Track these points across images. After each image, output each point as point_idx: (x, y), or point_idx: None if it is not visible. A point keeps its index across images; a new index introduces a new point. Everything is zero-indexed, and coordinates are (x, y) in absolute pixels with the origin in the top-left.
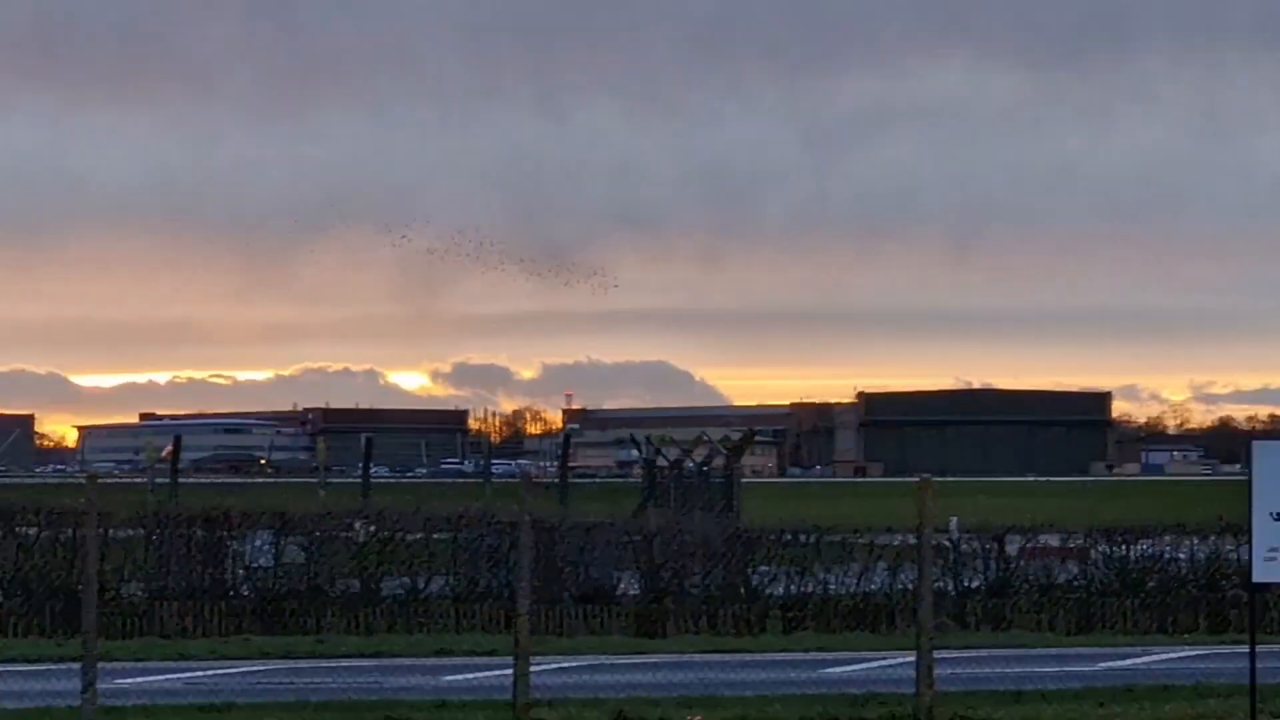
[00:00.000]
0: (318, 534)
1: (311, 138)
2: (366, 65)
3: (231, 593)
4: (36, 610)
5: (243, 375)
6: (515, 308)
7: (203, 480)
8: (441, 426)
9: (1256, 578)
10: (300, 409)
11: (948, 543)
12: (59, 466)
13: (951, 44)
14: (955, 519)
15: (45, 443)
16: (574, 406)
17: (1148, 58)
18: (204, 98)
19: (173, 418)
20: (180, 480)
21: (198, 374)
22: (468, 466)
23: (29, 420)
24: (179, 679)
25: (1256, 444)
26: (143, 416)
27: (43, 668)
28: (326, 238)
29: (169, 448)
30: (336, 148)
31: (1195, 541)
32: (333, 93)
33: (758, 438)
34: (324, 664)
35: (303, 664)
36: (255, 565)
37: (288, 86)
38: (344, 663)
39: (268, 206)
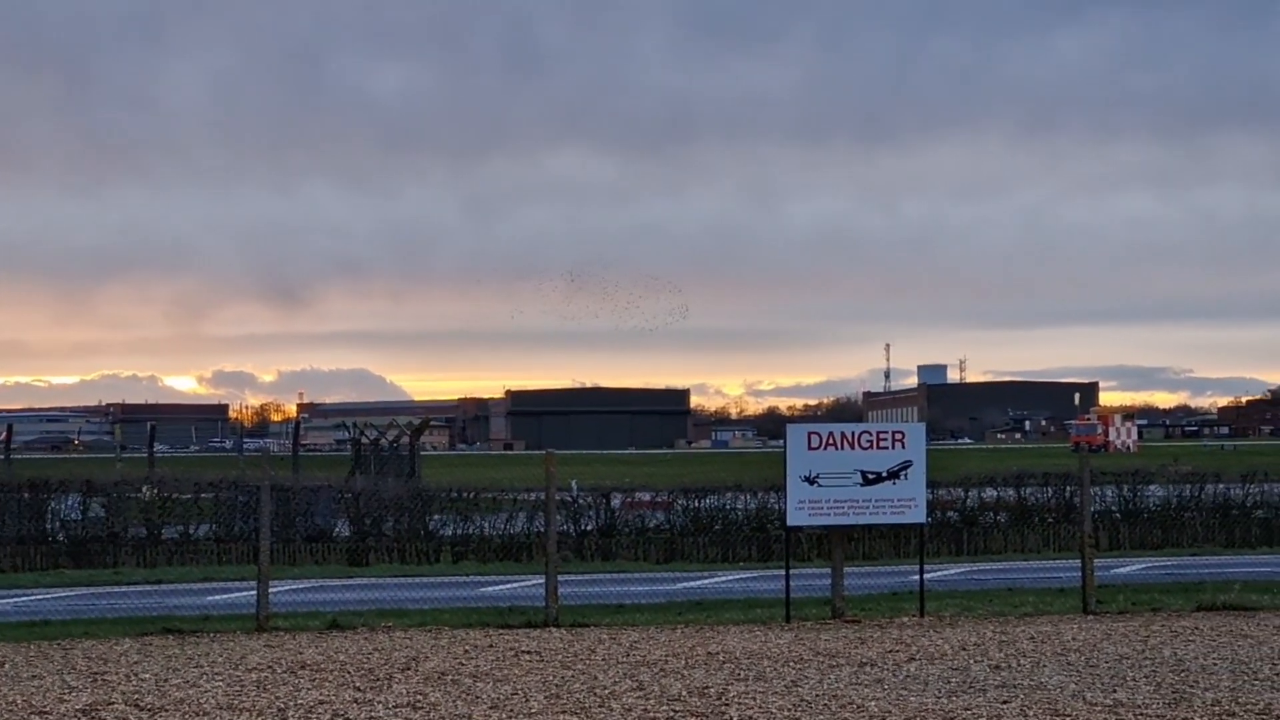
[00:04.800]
0: (115, 495)
1: (109, 206)
2: (146, 150)
3: (50, 539)
4: None
5: (58, 380)
6: (259, 329)
7: (31, 456)
8: (208, 416)
9: (790, 522)
10: (104, 404)
11: (569, 498)
12: None
13: (568, 137)
14: (575, 481)
15: None
16: (304, 401)
17: (710, 148)
18: (25, 173)
19: (7, 410)
20: (13, 457)
21: (24, 379)
22: (228, 445)
23: None
24: (9, 603)
25: (789, 426)
26: None
27: None
28: (120, 279)
29: (4, 434)
30: (125, 212)
31: (749, 496)
32: (121, 170)
33: (433, 423)
34: (119, 590)
35: (103, 590)
36: (68, 518)
37: (88, 166)
38: (134, 589)
39: (76, 255)
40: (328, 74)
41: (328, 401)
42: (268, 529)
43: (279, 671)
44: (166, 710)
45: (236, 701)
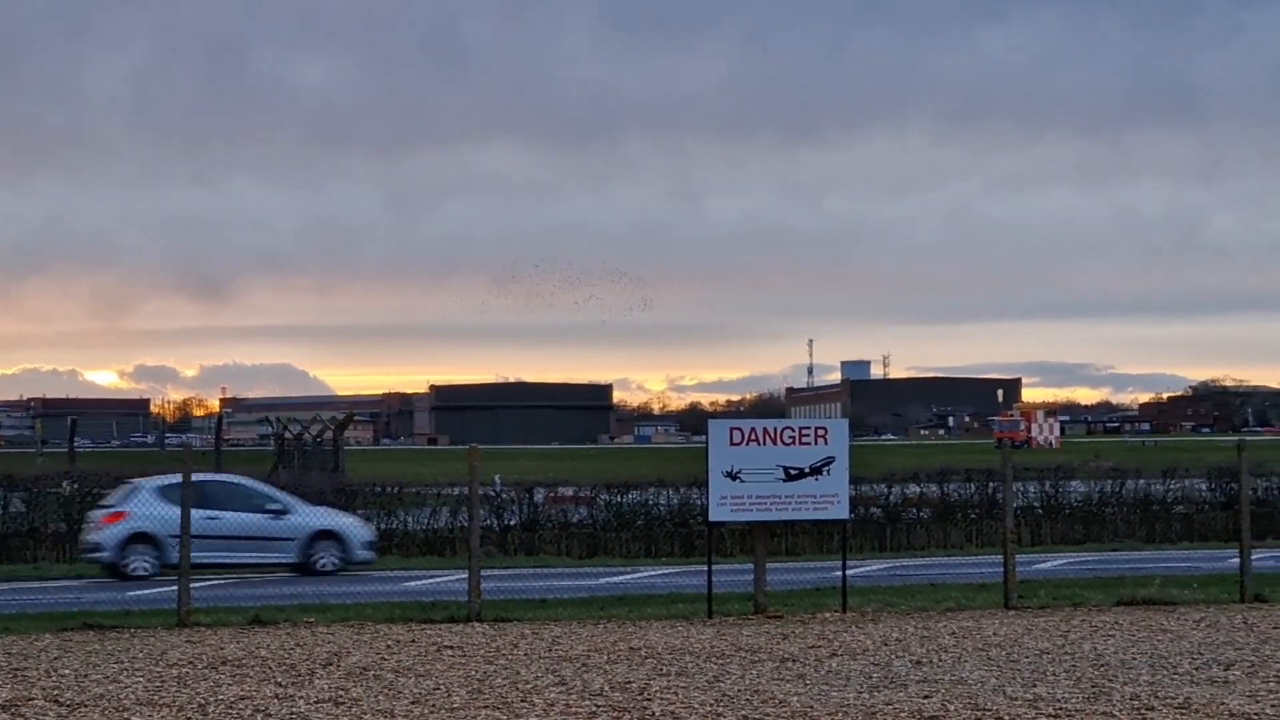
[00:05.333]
0: (35, 490)
1: (30, 199)
2: (68, 142)
3: None
4: None
5: None
6: (181, 324)
7: None
8: (129, 411)
9: (712, 517)
10: (24, 399)
11: (493, 492)
12: None
13: (493, 133)
14: (499, 476)
15: None
16: (227, 396)
17: (635, 143)
18: None
19: None
20: None
21: None
22: (149, 440)
23: None
24: None
25: (711, 422)
26: None
27: None
28: (42, 272)
29: None
30: (49, 206)
31: (671, 491)
32: (43, 163)
33: (357, 418)
34: (40, 585)
35: (23, 586)
36: None
37: (9, 158)
38: (54, 584)
39: None
40: (252, 67)
41: (251, 396)
42: (189, 524)
43: (200, 667)
44: (87, 706)
45: (157, 697)
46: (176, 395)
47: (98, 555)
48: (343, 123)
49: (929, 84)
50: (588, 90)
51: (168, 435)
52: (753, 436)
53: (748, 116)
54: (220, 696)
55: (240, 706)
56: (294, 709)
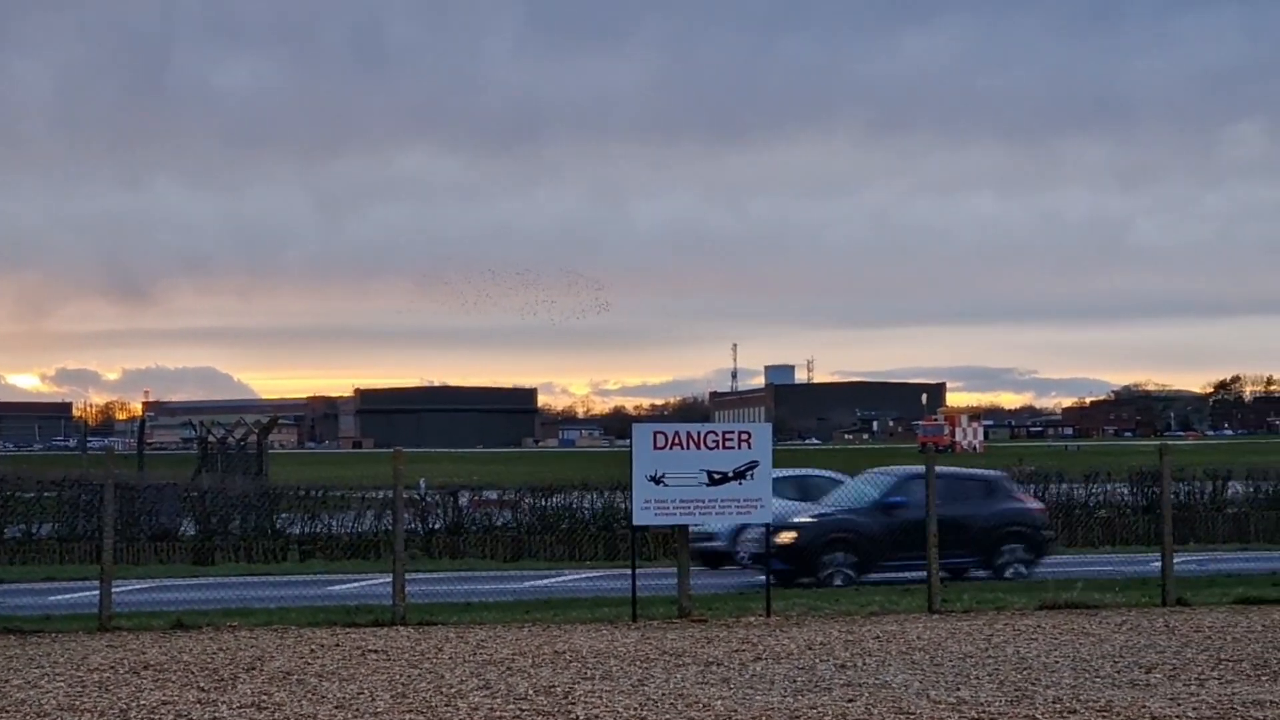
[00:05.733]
0: None
1: None
2: None
3: None
4: None
5: None
6: (103, 326)
7: None
8: (51, 414)
9: (636, 521)
10: None
11: (418, 496)
12: None
13: (418, 136)
14: (423, 479)
15: None
16: (150, 400)
17: (560, 146)
18: None
19: None
20: None
21: None
22: (71, 443)
23: None
24: None
25: (635, 426)
26: None
27: None
28: None
29: None
30: None
31: (595, 495)
32: None
33: (281, 421)
34: None
35: None
36: None
37: None
38: None
39: None
40: (174, 68)
41: (175, 400)
42: (111, 528)
43: (121, 672)
44: (7, 711)
45: (78, 702)
46: (99, 399)
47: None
48: (267, 125)
49: (853, 88)
50: (513, 94)
51: (90, 439)
52: (676, 440)
53: (672, 120)
54: (142, 702)
55: (162, 711)
56: (216, 714)
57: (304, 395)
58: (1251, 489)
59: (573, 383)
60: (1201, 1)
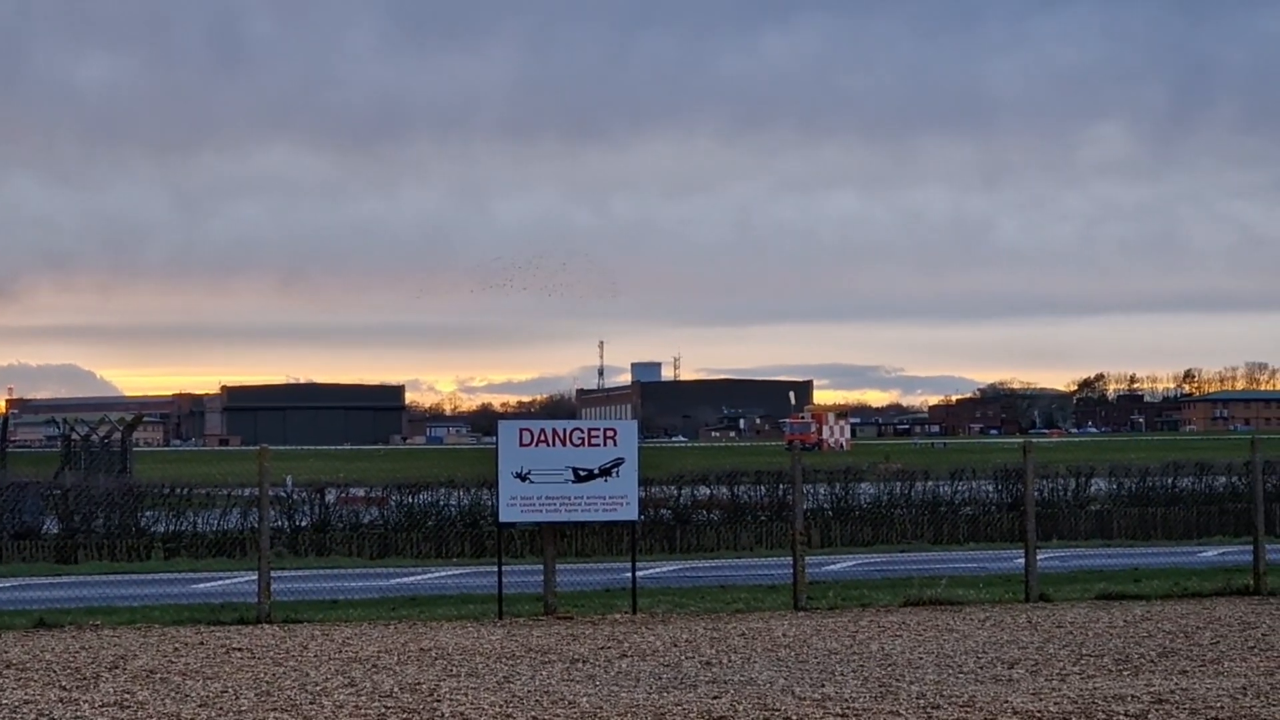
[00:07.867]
0: None
1: None
2: None
3: None
4: None
5: None
6: None
7: None
8: None
9: (502, 518)
10: None
11: (284, 493)
12: None
13: (278, 133)
14: (290, 477)
15: None
16: (13, 397)
17: (422, 145)
18: None
19: None
20: None
21: None
22: None
23: None
24: None
25: (501, 423)
26: None
27: None
28: None
29: None
30: None
31: (462, 492)
32: None
33: (147, 419)
34: None
35: None
36: None
37: None
38: None
39: None
40: (30, 64)
41: (38, 398)
42: None
43: None
44: None
45: None
46: None
47: None
48: (125, 121)
49: (713, 86)
50: (373, 91)
51: None
52: (542, 438)
53: (532, 118)
54: (3, 701)
55: (24, 711)
56: (78, 713)
57: (169, 393)
58: (1114, 486)
59: (439, 380)
60: (1060, 2)
